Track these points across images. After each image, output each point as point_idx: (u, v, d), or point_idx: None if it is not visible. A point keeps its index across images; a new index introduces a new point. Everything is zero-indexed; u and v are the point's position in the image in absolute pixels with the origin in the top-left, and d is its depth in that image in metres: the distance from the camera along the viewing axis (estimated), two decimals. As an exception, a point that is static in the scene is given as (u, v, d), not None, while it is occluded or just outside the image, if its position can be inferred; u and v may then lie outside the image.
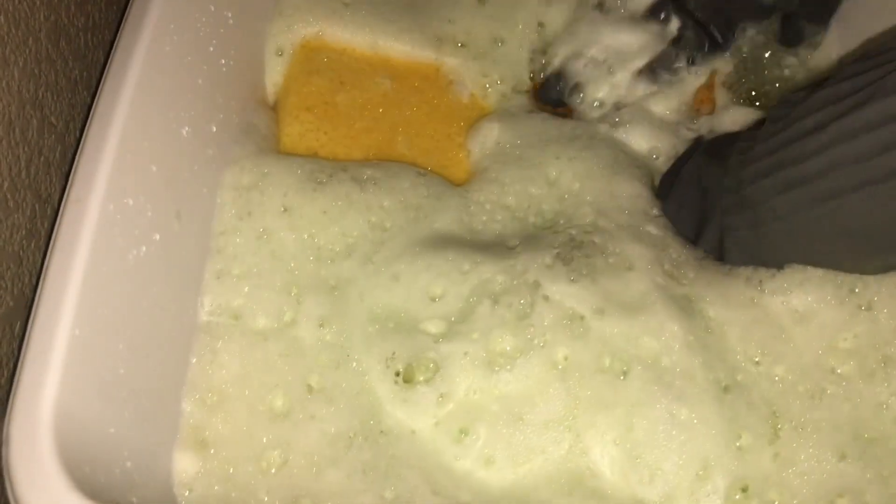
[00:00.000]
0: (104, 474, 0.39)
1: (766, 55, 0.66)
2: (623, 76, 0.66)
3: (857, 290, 0.52)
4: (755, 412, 0.50)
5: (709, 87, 0.66)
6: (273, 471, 0.47)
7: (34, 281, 0.50)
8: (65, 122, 0.54)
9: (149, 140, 0.46)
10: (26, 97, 0.49)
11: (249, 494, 0.46)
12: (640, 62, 0.65)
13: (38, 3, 0.49)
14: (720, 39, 0.65)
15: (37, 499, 0.35)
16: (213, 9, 0.55)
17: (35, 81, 0.50)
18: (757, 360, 0.51)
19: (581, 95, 0.66)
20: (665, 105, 0.66)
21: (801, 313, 0.52)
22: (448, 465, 0.49)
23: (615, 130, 0.65)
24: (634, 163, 0.63)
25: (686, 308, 0.53)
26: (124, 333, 0.43)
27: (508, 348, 0.50)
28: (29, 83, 0.49)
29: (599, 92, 0.66)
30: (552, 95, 0.67)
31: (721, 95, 0.66)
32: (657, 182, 0.63)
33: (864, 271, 0.52)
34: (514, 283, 0.53)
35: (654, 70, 0.66)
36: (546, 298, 0.52)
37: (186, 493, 0.46)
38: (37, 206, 0.50)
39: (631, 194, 0.60)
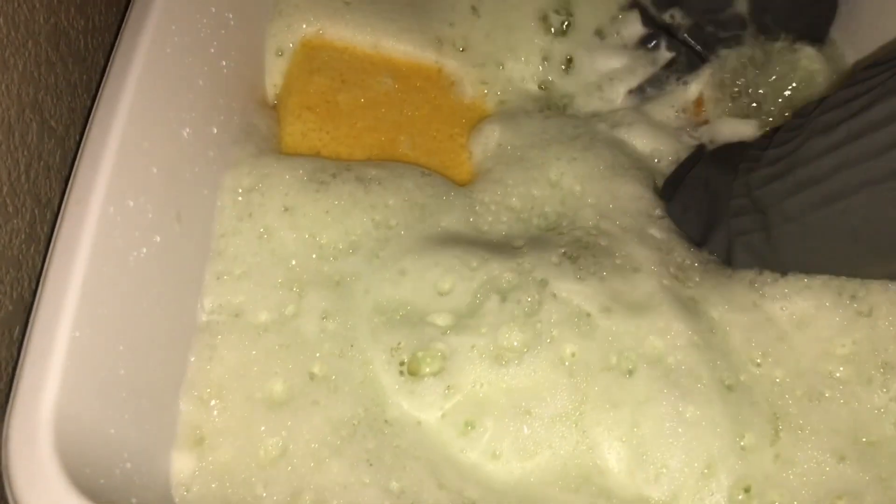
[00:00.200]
0: (104, 475, 0.38)
1: (754, 70, 0.67)
2: (616, 92, 0.69)
3: (857, 297, 0.53)
4: (758, 412, 0.50)
5: (698, 102, 0.68)
6: (272, 462, 0.47)
7: (33, 285, 0.50)
8: (64, 125, 0.54)
9: (149, 141, 0.46)
10: (26, 101, 0.48)
11: (247, 490, 0.46)
12: (633, 83, 0.68)
13: (37, 5, 0.49)
14: (708, 59, 0.68)
15: (36, 500, 0.35)
16: (213, 10, 0.55)
17: (35, 85, 0.50)
18: (758, 361, 0.52)
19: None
20: (660, 112, 0.68)
21: (800, 318, 0.53)
22: (454, 458, 0.48)
23: (615, 131, 0.65)
24: (635, 164, 0.63)
25: (691, 309, 0.53)
26: (124, 335, 0.43)
27: (516, 343, 0.51)
28: (28, 87, 0.49)
29: (590, 106, 0.68)
30: None
31: (714, 108, 0.67)
32: (659, 183, 0.63)
33: (872, 276, 0.53)
34: (522, 280, 0.53)
35: (644, 90, 0.68)
36: (554, 296, 0.52)
37: (184, 493, 0.46)
38: (36, 211, 0.50)
39: (633, 195, 0.60)
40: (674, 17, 0.68)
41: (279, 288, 0.53)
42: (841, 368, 0.52)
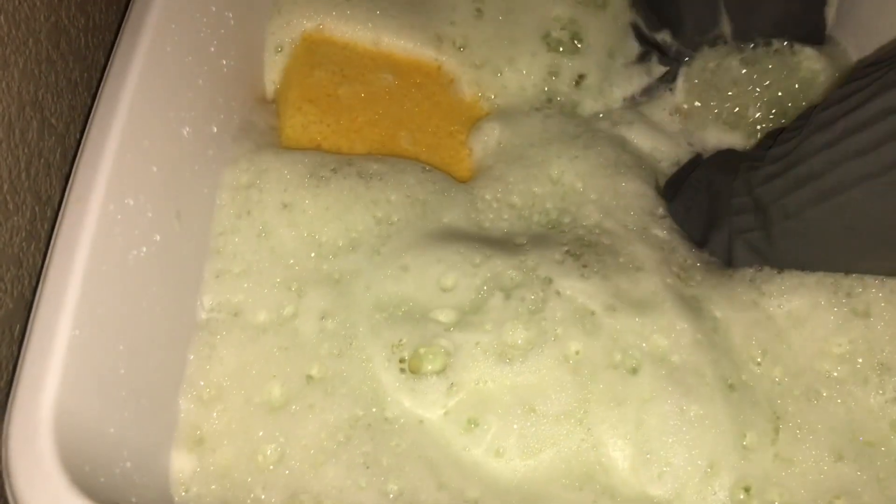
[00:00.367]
0: (104, 474, 0.38)
1: (742, 78, 0.68)
2: (614, 98, 0.70)
3: (852, 295, 0.53)
4: (759, 411, 0.50)
5: (684, 113, 0.70)
6: (270, 466, 0.47)
7: (34, 283, 0.50)
8: (65, 123, 0.54)
9: (149, 140, 0.46)
10: (26, 98, 0.48)
11: (246, 492, 0.46)
12: (628, 92, 0.70)
13: (38, 3, 0.49)
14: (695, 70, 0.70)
15: (36, 498, 0.35)
16: (213, 9, 0.55)
17: (35, 83, 0.50)
18: (758, 360, 0.52)
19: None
20: (657, 115, 0.69)
21: (796, 316, 0.53)
22: (456, 457, 0.49)
23: (616, 129, 0.65)
24: (637, 161, 0.63)
25: (694, 308, 0.53)
26: (124, 334, 0.43)
27: (521, 341, 0.51)
28: (29, 84, 0.49)
29: (590, 109, 0.69)
30: None
31: (700, 117, 0.68)
32: (661, 183, 0.64)
33: (870, 271, 0.53)
34: (526, 277, 0.53)
35: (636, 99, 0.70)
36: (558, 294, 0.52)
37: (183, 493, 0.46)
38: (37, 209, 0.50)
39: (636, 192, 0.60)
40: (665, 39, 0.70)
41: (278, 287, 0.53)
42: (838, 368, 0.52)
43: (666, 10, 0.69)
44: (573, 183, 0.61)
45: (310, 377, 0.50)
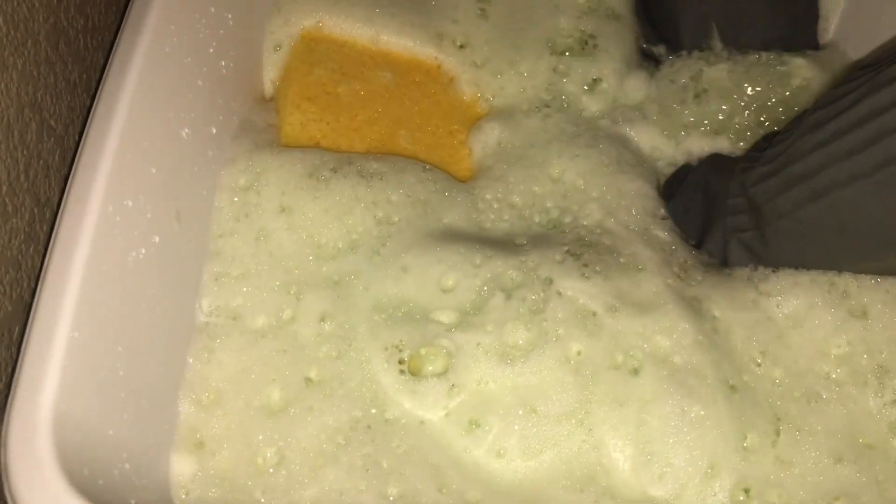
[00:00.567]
0: (103, 476, 0.38)
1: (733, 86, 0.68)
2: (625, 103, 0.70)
3: (849, 296, 0.53)
4: (759, 413, 0.50)
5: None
6: (270, 469, 0.47)
7: (33, 285, 0.50)
8: (64, 125, 0.54)
9: (148, 141, 0.46)
10: (25, 100, 0.48)
11: (246, 495, 0.46)
12: (638, 99, 0.70)
13: (37, 5, 0.49)
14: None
15: (35, 500, 0.35)
16: (213, 10, 0.55)
17: (34, 84, 0.49)
18: (759, 361, 0.52)
19: None
20: (653, 114, 0.69)
21: (794, 317, 0.53)
22: (457, 458, 0.49)
23: (617, 127, 0.65)
24: (639, 160, 0.63)
25: (695, 308, 0.53)
26: (123, 335, 0.43)
27: (522, 341, 0.51)
28: (28, 86, 0.49)
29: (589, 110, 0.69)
30: None
31: (690, 124, 0.68)
32: (661, 182, 0.64)
33: (863, 271, 0.53)
34: (527, 278, 0.53)
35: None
36: (559, 294, 0.52)
37: (183, 496, 0.46)
38: (35, 211, 0.50)
39: (638, 192, 0.60)
40: (661, 53, 0.71)
41: (277, 291, 0.53)
42: (837, 370, 0.52)
43: (663, 27, 0.71)
44: (574, 182, 0.61)
45: (309, 380, 0.50)
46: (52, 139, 0.52)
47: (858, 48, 0.68)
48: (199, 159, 0.53)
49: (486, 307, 0.52)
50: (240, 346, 0.51)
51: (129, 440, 0.42)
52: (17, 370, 0.38)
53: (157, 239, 0.47)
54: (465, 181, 0.62)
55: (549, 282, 0.53)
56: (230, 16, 0.58)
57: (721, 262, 0.58)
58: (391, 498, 0.47)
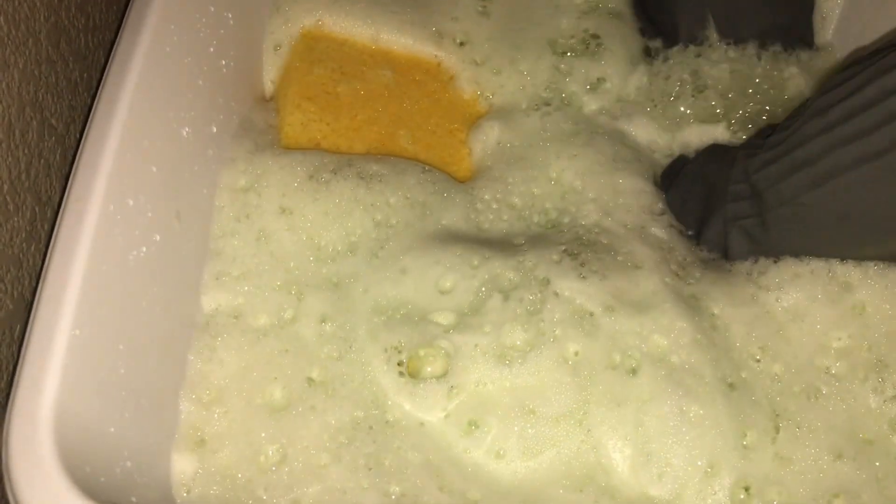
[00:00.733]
0: (104, 474, 0.38)
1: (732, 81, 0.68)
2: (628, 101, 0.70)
3: (850, 289, 0.53)
4: (759, 410, 0.50)
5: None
6: (272, 467, 0.47)
7: (34, 284, 0.50)
8: (65, 123, 0.54)
9: (149, 140, 0.46)
10: (26, 99, 0.49)
11: (248, 493, 0.46)
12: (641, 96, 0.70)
13: (38, 4, 0.49)
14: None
15: (37, 499, 0.35)
16: (213, 10, 0.55)
17: (35, 83, 0.50)
18: (758, 357, 0.52)
19: None
20: (649, 107, 0.69)
21: (794, 310, 0.53)
22: (457, 459, 0.49)
23: (615, 122, 0.65)
24: (636, 156, 0.63)
25: (693, 307, 0.53)
26: (124, 334, 0.43)
27: (519, 342, 0.51)
28: (29, 85, 0.49)
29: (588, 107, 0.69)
30: None
31: (685, 114, 0.68)
32: (658, 175, 0.64)
33: (865, 257, 0.53)
34: (524, 278, 0.53)
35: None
36: (556, 294, 0.52)
37: (185, 494, 0.46)
38: (37, 209, 0.50)
39: (634, 190, 0.60)
40: (658, 47, 0.70)
41: (278, 291, 0.53)
42: (837, 364, 0.52)
43: (660, 20, 0.71)
44: (572, 182, 0.61)
45: (310, 380, 0.50)
46: (54, 138, 0.52)
47: (855, 45, 0.68)
48: (199, 158, 0.53)
49: (483, 308, 0.52)
50: (241, 344, 0.51)
51: (130, 438, 0.42)
52: (19, 368, 0.38)
53: (157, 238, 0.47)
54: (465, 181, 0.62)
55: (547, 282, 0.53)
56: (230, 15, 0.58)
57: (720, 252, 0.58)
58: (393, 496, 0.47)
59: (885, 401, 0.51)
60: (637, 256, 0.55)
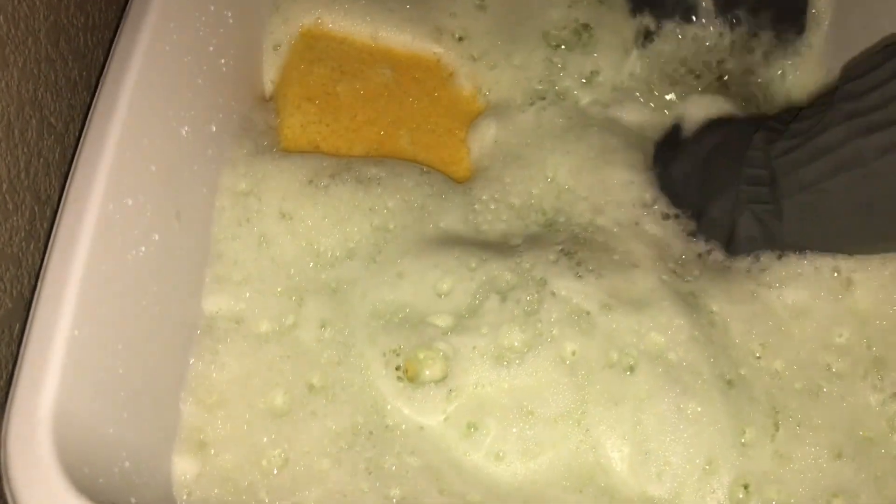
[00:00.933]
0: (103, 475, 0.38)
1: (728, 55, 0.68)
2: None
3: (852, 286, 0.53)
4: (758, 407, 0.50)
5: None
6: (274, 471, 0.47)
7: (33, 283, 0.50)
8: (64, 122, 0.54)
9: (148, 139, 0.46)
10: (25, 98, 0.48)
11: (251, 496, 0.46)
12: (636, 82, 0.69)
13: (37, 2, 0.49)
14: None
15: (36, 499, 0.35)
16: (212, 8, 0.55)
17: (34, 82, 0.50)
18: (758, 354, 0.52)
19: None
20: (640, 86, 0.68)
21: (796, 308, 0.53)
22: (457, 461, 0.49)
23: (607, 111, 0.64)
24: (626, 143, 0.62)
25: (691, 304, 0.53)
26: (123, 334, 0.43)
27: (517, 343, 0.51)
28: (28, 84, 0.49)
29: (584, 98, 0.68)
30: None
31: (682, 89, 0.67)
32: (650, 155, 0.62)
33: (887, 250, 0.52)
34: (521, 279, 0.53)
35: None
36: (553, 294, 0.52)
37: (185, 496, 0.46)
38: (36, 208, 0.50)
39: (623, 182, 0.59)
40: (647, 24, 0.69)
41: (279, 297, 0.53)
42: (838, 360, 0.52)
43: None
44: (566, 180, 0.60)
45: (311, 385, 0.50)
46: (53, 137, 0.52)
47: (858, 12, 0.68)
48: (198, 158, 0.53)
49: (481, 310, 0.52)
50: (243, 350, 0.51)
51: (129, 439, 0.42)
52: (18, 368, 0.38)
53: (157, 237, 0.46)
54: (465, 180, 0.62)
55: (543, 282, 0.53)
56: (230, 14, 0.58)
57: (722, 236, 0.56)
58: (394, 500, 0.47)
59: (886, 398, 0.51)
60: (634, 254, 0.55)
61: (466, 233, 0.58)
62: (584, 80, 0.66)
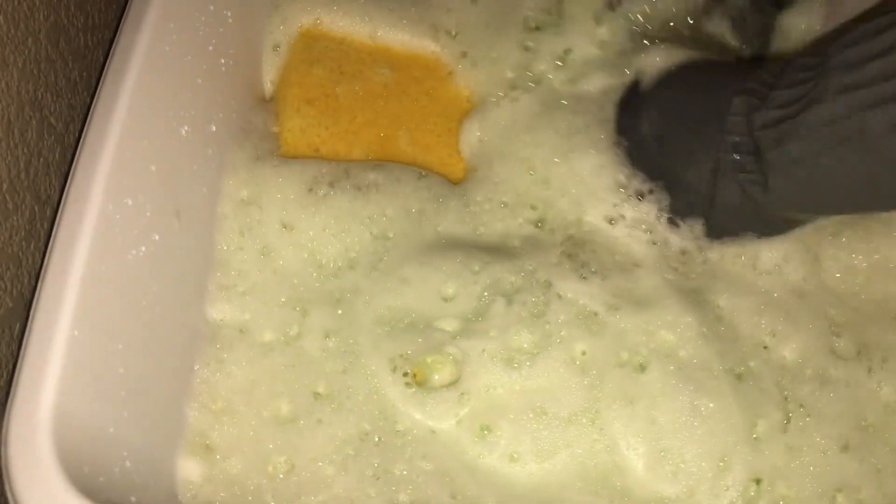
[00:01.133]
0: (103, 474, 0.38)
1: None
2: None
3: (849, 272, 0.54)
4: (768, 399, 0.50)
5: None
6: (280, 476, 0.47)
7: (33, 282, 0.50)
8: (64, 122, 0.54)
9: (148, 139, 0.46)
10: (25, 98, 0.48)
11: (256, 500, 0.46)
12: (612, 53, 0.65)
13: (37, 3, 0.49)
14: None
15: (36, 499, 0.35)
16: (212, 8, 0.55)
17: (34, 82, 0.50)
18: (766, 344, 0.52)
19: None
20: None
21: (797, 291, 0.53)
22: (471, 465, 0.49)
23: (574, 87, 0.62)
24: (592, 120, 0.59)
25: (697, 300, 0.53)
26: (124, 334, 0.43)
27: (526, 345, 0.51)
28: (28, 84, 0.49)
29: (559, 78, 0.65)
30: None
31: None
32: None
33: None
34: (526, 282, 0.53)
35: None
36: (559, 296, 0.52)
37: (190, 499, 0.46)
38: (36, 208, 0.50)
39: (593, 167, 0.57)
40: None
41: (283, 307, 0.53)
42: (844, 347, 0.52)
43: None
44: (543, 173, 0.59)
45: (317, 394, 0.51)
46: (53, 137, 0.52)
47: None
48: (198, 157, 0.53)
49: (488, 313, 0.52)
50: (248, 358, 0.51)
51: (130, 438, 0.42)
52: (18, 368, 0.38)
53: (157, 237, 0.46)
54: (462, 181, 0.62)
55: (549, 285, 0.53)
56: (229, 14, 0.58)
57: (702, 201, 0.54)
58: (402, 504, 0.47)
59: (885, 382, 0.51)
60: (633, 254, 0.55)
61: (465, 235, 0.58)
62: (558, 63, 0.64)
